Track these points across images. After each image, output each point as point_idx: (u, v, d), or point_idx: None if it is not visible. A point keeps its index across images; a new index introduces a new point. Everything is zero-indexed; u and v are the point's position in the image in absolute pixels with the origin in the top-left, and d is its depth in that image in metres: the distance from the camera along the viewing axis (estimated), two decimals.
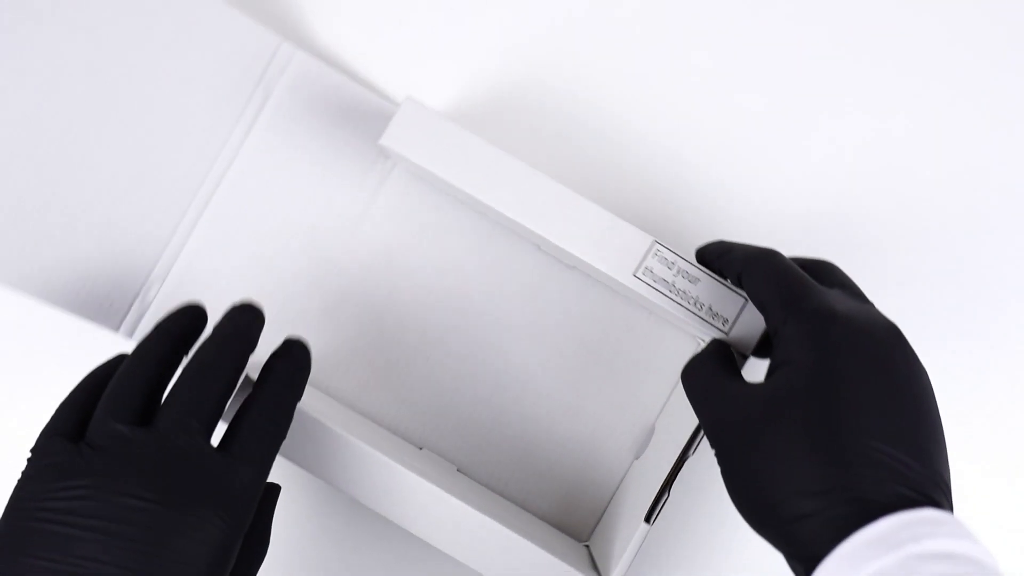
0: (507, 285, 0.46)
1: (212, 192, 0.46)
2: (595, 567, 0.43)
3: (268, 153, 0.46)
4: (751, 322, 0.40)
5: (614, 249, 0.41)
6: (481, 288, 0.46)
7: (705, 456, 0.41)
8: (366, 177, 0.47)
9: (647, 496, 0.41)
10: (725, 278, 0.40)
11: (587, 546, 0.46)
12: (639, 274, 0.41)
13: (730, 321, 0.41)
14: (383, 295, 0.46)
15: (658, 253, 0.41)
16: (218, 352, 0.36)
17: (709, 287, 0.41)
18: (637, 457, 0.46)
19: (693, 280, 0.41)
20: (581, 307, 0.47)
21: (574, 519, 0.46)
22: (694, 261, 0.41)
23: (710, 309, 0.41)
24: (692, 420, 0.40)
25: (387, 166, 0.47)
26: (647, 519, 0.40)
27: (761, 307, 0.36)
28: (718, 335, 0.40)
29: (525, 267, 0.47)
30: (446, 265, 0.46)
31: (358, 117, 0.47)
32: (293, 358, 0.38)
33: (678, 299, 0.41)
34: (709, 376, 0.37)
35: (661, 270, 0.41)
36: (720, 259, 0.39)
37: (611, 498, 0.46)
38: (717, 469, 0.35)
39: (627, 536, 0.41)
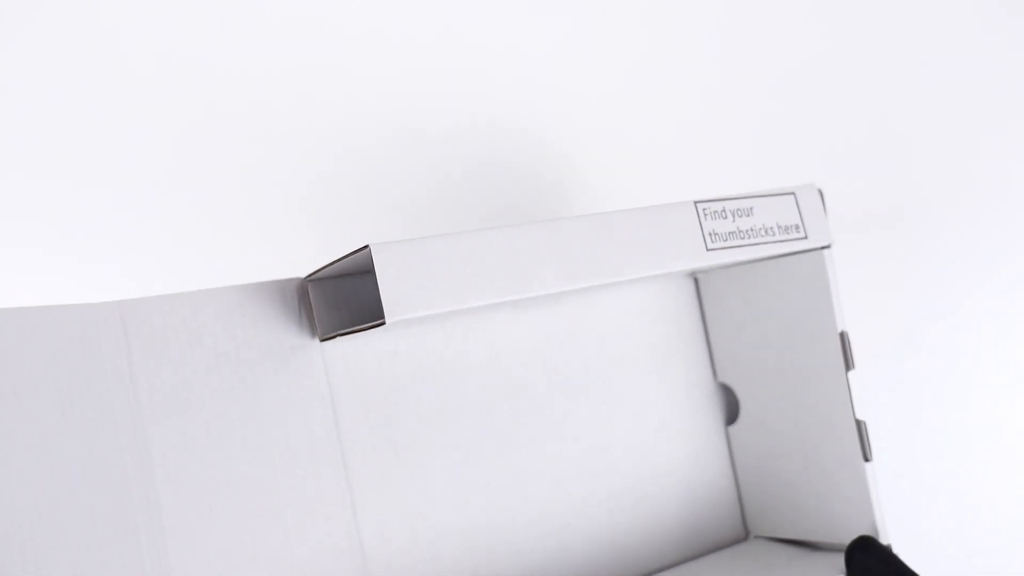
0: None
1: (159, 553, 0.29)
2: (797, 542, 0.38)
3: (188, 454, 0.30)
4: (814, 213, 0.35)
5: (669, 239, 0.33)
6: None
7: None
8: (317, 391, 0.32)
9: (829, 442, 0.36)
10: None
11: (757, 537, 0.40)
12: (712, 245, 0.33)
13: (801, 225, 0.35)
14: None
15: (707, 210, 0.33)
16: None
17: (762, 206, 0.35)
18: (731, 423, 0.40)
19: (747, 212, 0.34)
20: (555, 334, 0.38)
21: (721, 523, 0.40)
22: (733, 193, 0.34)
23: (778, 227, 0.35)
24: (773, 345, 0.36)
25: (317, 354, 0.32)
26: (866, 458, 0.35)
27: None
28: (798, 246, 0.35)
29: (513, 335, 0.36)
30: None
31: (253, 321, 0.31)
32: None
33: (754, 241, 0.34)
34: None
35: (723, 226, 0.34)
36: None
37: (736, 476, 0.40)
38: None
39: (852, 487, 0.36)
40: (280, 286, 0.32)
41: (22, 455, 0.27)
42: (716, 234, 0.33)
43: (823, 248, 0.36)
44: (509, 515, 0.35)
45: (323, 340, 0.32)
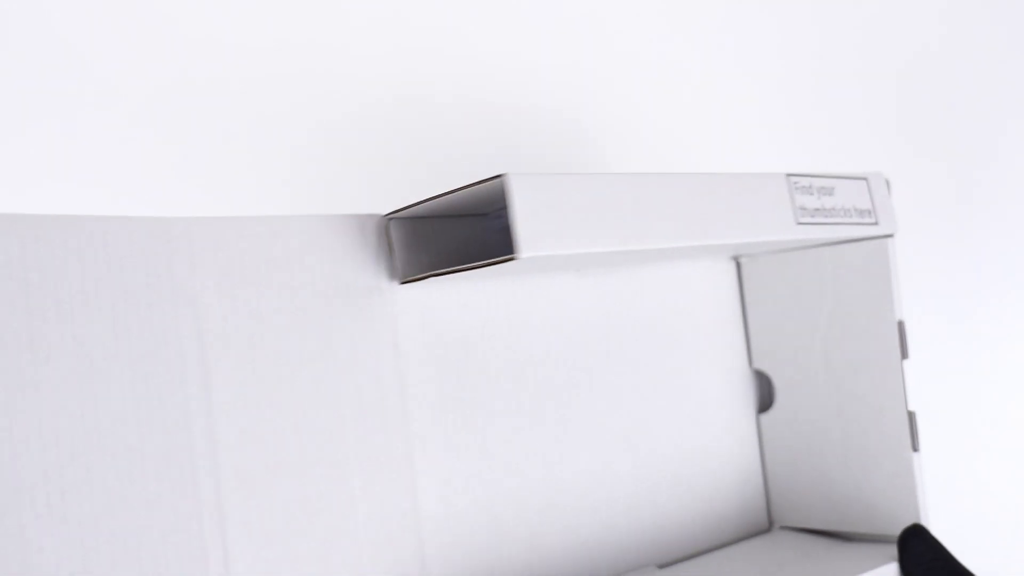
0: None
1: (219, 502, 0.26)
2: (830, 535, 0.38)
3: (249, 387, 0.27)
4: (883, 200, 0.36)
5: (765, 209, 0.32)
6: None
7: None
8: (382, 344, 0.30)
9: (875, 432, 0.36)
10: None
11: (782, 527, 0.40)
12: (801, 219, 0.33)
13: (872, 211, 0.35)
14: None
15: (797, 185, 0.33)
16: None
17: (842, 188, 0.34)
18: (764, 410, 0.40)
19: (830, 191, 0.34)
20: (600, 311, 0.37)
21: (744, 512, 0.39)
22: (818, 171, 0.34)
23: (855, 210, 0.35)
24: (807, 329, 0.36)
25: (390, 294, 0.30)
26: (914, 448, 0.35)
27: None
28: (870, 232, 0.35)
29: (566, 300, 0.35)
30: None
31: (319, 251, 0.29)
32: None
33: (835, 220, 0.34)
34: None
35: (810, 201, 0.33)
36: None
37: (764, 465, 0.40)
38: None
39: (897, 478, 0.36)
40: (360, 221, 0.30)
41: (70, 376, 0.24)
42: (805, 209, 0.33)
43: (887, 236, 0.36)
44: (561, 489, 0.34)
45: (403, 283, 0.30)
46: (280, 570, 0.27)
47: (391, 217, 0.30)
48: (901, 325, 0.36)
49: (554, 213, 0.26)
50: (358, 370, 0.29)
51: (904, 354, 0.36)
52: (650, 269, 0.37)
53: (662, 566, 0.36)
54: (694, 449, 0.38)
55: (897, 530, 0.35)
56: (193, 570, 0.26)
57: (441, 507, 0.31)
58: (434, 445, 0.31)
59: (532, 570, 0.33)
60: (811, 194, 0.33)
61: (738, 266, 0.40)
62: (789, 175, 0.33)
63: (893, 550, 0.34)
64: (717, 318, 0.39)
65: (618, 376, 0.36)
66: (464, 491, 0.31)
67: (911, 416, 0.35)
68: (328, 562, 0.28)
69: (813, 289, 0.38)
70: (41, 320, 0.24)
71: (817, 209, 0.33)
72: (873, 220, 0.35)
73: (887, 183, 0.36)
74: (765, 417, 0.40)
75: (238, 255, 0.28)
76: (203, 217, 0.27)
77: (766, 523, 0.40)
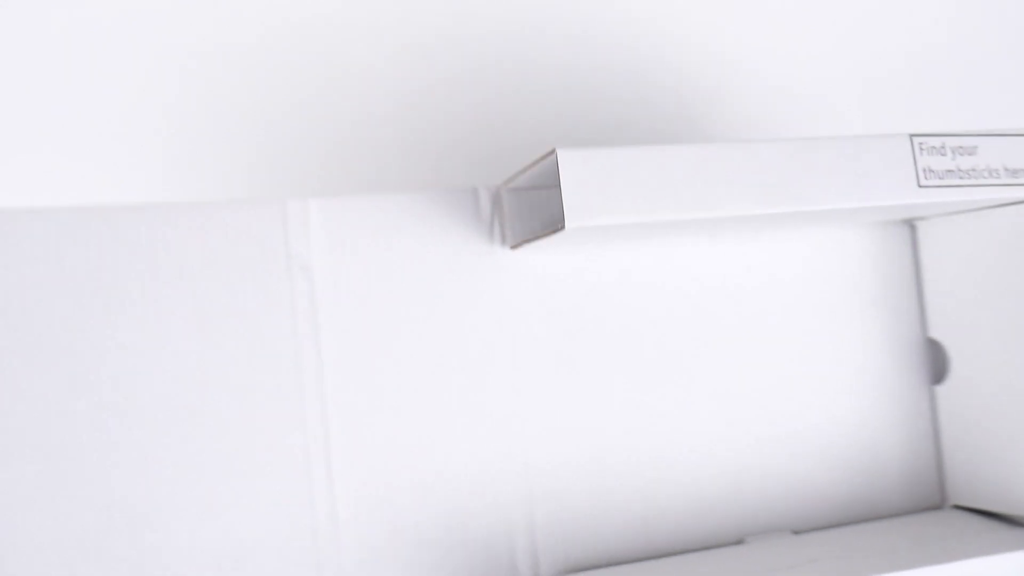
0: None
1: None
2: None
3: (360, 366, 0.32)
4: None
5: (877, 172, 0.31)
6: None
7: None
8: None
9: None
10: None
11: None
12: (925, 182, 0.31)
13: None
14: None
15: (923, 145, 0.31)
16: None
17: (988, 146, 0.32)
18: (938, 382, 0.38)
19: (971, 151, 0.32)
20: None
21: (914, 488, 0.38)
22: (957, 129, 0.32)
23: (1005, 169, 0.32)
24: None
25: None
26: None
27: None
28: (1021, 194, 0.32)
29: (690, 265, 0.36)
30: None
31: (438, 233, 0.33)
32: None
33: (974, 182, 0.31)
34: None
35: (940, 163, 0.31)
36: None
37: (938, 440, 0.38)
38: None
39: None
40: (474, 193, 0.33)
41: (190, 328, 0.30)
42: (931, 171, 0.31)
43: None
44: (682, 447, 0.35)
45: (513, 248, 0.33)
46: (381, 497, 0.32)
47: (506, 187, 0.33)
48: None
49: (606, 184, 0.28)
50: (470, 330, 0.33)
51: None
52: (800, 234, 0.37)
53: (797, 532, 0.36)
54: (848, 420, 0.37)
55: None
56: (297, 490, 0.31)
57: (548, 458, 0.34)
58: (543, 400, 0.34)
59: (644, 526, 0.34)
60: (943, 155, 0.31)
61: (913, 230, 0.38)
62: (913, 135, 0.31)
63: None
64: (884, 284, 0.38)
65: (755, 343, 0.36)
66: (571, 443, 0.34)
67: None
68: (430, 497, 0.32)
69: (991, 253, 0.35)
70: (169, 287, 0.30)
71: (949, 171, 0.31)
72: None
73: None
74: (940, 388, 0.38)
75: (351, 228, 0.32)
76: (317, 199, 0.32)
77: (938, 500, 0.38)
